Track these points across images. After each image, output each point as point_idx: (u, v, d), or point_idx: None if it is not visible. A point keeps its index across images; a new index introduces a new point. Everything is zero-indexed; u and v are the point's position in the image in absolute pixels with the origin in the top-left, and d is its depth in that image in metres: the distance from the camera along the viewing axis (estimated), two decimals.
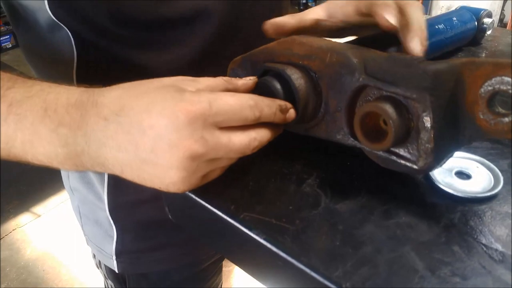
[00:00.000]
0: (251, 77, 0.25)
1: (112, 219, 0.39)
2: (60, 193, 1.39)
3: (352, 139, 0.23)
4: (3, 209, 1.34)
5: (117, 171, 0.21)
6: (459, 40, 0.40)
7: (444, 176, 0.24)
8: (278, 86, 0.24)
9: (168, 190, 0.21)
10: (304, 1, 2.74)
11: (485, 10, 0.40)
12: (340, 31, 0.28)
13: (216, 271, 0.49)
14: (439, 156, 0.21)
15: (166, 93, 0.20)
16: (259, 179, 0.24)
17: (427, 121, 0.20)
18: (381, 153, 0.22)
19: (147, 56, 0.32)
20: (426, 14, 1.95)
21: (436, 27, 0.36)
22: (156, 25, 0.31)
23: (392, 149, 0.22)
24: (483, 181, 0.24)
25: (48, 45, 0.32)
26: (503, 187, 0.23)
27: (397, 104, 0.21)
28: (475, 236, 0.20)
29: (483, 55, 0.41)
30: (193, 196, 0.23)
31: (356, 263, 0.19)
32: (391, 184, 0.24)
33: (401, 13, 0.24)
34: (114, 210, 0.39)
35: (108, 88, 0.22)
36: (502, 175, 0.24)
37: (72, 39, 0.30)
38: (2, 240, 1.24)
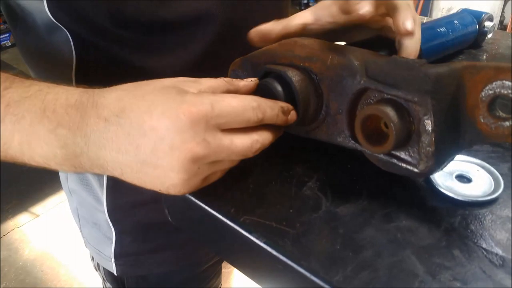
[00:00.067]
0: (252, 78, 0.25)
1: (111, 221, 0.39)
2: (59, 193, 1.39)
3: (353, 141, 0.23)
4: (2, 209, 1.33)
5: (117, 173, 0.21)
6: (460, 43, 0.40)
7: (444, 179, 0.24)
8: (279, 88, 0.24)
9: (168, 192, 0.21)
10: (305, 1, 2.74)
11: (486, 13, 0.40)
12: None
13: (215, 273, 0.48)
14: (440, 159, 0.20)
15: (168, 95, 0.20)
16: (260, 181, 0.24)
17: (428, 125, 0.20)
18: (382, 156, 0.22)
19: (148, 58, 0.32)
20: (427, 15, 1.95)
21: (438, 30, 0.36)
22: (157, 27, 0.30)
23: (393, 152, 0.22)
24: (483, 184, 0.24)
25: (46, 46, 0.32)
26: (503, 190, 0.23)
27: (398, 107, 0.21)
28: (476, 240, 0.20)
29: (484, 57, 0.41)
30: (193, 199, 0.23)
31: (356, 267, 0.19)
32: (391, 187, 0.24)
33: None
34: (113, 212, 0.38)
35: (108, 89, 0.21)
36: (503, 178, 0.24)
37: (71, 40, 0.30)
38: (0, 240, 1.24)
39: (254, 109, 0.21)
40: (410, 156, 0.21)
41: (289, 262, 0.19)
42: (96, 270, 0.46)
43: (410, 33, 0.23)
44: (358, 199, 0.23)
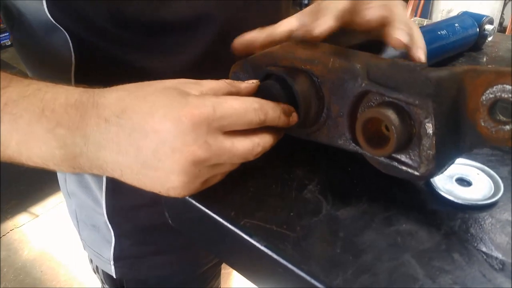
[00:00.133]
0: (254, 80, 0.25)
1: (110, 224, 0.39)
2: (58, 193, 1.38)
3: (353, 144, 0.23)
4: (1, 209, 1.33)
5: (116, 174, 0.21)
6: (461, 45, 0.40)
7: (444, 182, 0.24)
8: (280, 90, 0.24)
9: (168, 195, 0.21)
10: (306, 2, 2.74)
11: (487, 16, 0.41)
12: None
13: (215, 274, 0.48)
14: (440, 162, 0.21)
15: (170, 96, 0.20)
16: (260, 185, 0.24)
17: (429, 128, 0.20)
18: (382, 159, 0.22)
19: (148, 59, 0.32)
20: (427, 17, 1.95)
21: (438, 33, 0.36)
22: (157, 28, 0.30)
23: (394, 155, 0.22)
24: (483, 188, 0.24)
25: (44, 47, 0.31)
26: (503, 194, 0.23)
27: (400, 110, 0.21)
28: (475, 244, 0.20)
29: (484, 60, 0.42)
30: (194, 202, 0.23)
31: (356, 271, 0.19)
32: (392, 190, 0.24)
33: (386, 11, 0.24)
34: (112, 214, 0.38)
35: (109, 89, 0.21)
36: (502, 182, 0.24)
37: (70, 41, 0.30)
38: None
39: (256, 111, 0.21)
40: (411, 159, 0.21)
41: (289, 265, 0.19)
42: (95, 273, 0.46)
43: (403, 45, 0.23)
44: (358, 202, 0.23)
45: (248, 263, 0.23)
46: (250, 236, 0.21)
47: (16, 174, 1.41)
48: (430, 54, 0.34)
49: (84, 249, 0.45)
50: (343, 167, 0.26)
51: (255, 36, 0.26)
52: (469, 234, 0.21)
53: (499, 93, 0.19)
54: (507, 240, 0.20)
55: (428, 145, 0.20)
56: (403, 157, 0.22)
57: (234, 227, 0.21)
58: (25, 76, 0.23)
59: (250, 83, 0.24)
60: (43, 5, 0.28)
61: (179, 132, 0.19)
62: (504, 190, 0.23)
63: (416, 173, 0.21)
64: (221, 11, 0.32)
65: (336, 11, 0.24)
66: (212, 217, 0.23)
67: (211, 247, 0.27)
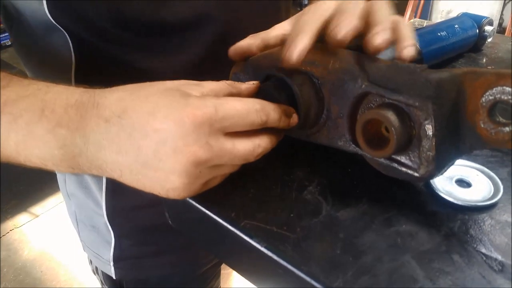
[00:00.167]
0: (254, 82, 0.25)
1: (110, 224, 0.39)
2: (58, 194, 1.38)
3: (353, 145, 0.23)
4: (1, 209, 1.33)
5: (116, 175, 0.20)
6: (460, 47, 0.40)
7: (444, 184, 0.24)
8: (280, 91, 0.24)
9: (168, 196, 0.21)
10: (305, 2, 2.74)
11: (486, 17, 0.41)
12: None
13: (215, 274, 0.48)
14: (440, 164, 0.21)
15: (171, 97, 0.20)
16: (260, 186, 0.24)
17: (429, 129, 0.20)
18: (382, 160, 0.22)
19: (148, 60, 0.32)
20: (427, 18, 1.95)
21: (438, 34, 0.36)
22: (157, 29, 0.30)
23: (394, 156, 0.22)
24: (483, 189, 0.24)
25: (43, 47, 0.31)
26: (502, 195, 0.23)
27: (399, 111, 0.21)
28: (475, 245, 0.20)
29: (484, 61, 0.42)
30: (194, 203, 0.23)
31: (356, 272, 0.19)
32: (392, 191, 0.24)
33: (368, 14, 0.24)
34: (112, 215, 0.38)
35: (109, 89, 0.21)
36: (502, 183, 0.24)
37: (70, 42, 0.30)
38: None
39: (258, 112, 0.21)
40: (411, 160, 0.21)
41: (289, 266, 0.19)
42: (95, 274, 0.46)
43: (379, 48, 0.22)
44: (358, 204, 0.23)
45: (248, 264, 0.23)
46: (250, 237, 0.21)
47: (16, 174, 1.41)
48: (430, 55, 0.35)
49: (84, 250, 0.45)
50: (343, 168, 0.26)
51: (251, 42, 0.26)
52: (468, 236, 0.21)
53: (499, 95, 0.19)
54: (507, 241, 0.20)
55: (428, 147, 0.20)
56: (403, 159, 0.22)
57: (234, 228, 0.22)
58: (25, 76, 0.23)
59: (251, 84, 0.24)
60: (43, 5, 0.28)
61: (180, 132, 0.19)
62: (503, 192, 0.23)
63: (416, 174, 0.21)
64: (221, 11, 0.32)
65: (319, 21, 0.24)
66: (212, 218, 0.23)
67: (211, 248, 0.27)
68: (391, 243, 0.20)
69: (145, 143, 0.19)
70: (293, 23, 0.26)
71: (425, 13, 1.97)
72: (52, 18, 0.28)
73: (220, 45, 0.33)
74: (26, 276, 1.14)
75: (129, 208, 0.38)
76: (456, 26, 0.39)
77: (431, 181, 0.24)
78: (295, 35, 0.23)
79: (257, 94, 0.25)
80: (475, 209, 0.23)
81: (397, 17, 0.24)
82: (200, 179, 0.21)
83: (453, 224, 0.22)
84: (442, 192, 0.23)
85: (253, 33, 0.27)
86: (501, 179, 0.24)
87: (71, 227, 0.45)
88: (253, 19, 0.34)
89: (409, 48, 0.23)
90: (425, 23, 0.51)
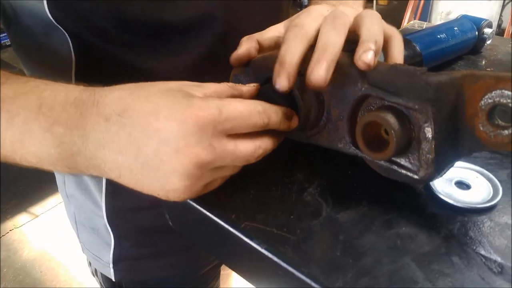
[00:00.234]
0: (254, 84, 0.25)
1: (110, 226, 0.39)
2: (58, 194, 1.38)
3: (353, 148, 0.23)
4: (1, 209, 1.33)
5: (114, 175, 0.20)
6: (460, 49, 0.40)
7: (444, 186, 0.24)
8: (281, 94, 0.24)
9: (167, 198, 0.20)
10: (305, 3, 2.75)
11: (485, 20, 0.41)
12: None
13: (214, 275, 0.49)
14: (439, 166, 0.21)
15: (174, 97, 0.20)
16: (260, 188, 0.24)
17: (429, 132, 0.20)
18: (382, 162, 0.22)
19: (149, 60, 0.32)
20: (426, 19, 1.96)
21: (438, 36, 0.37)
22: (158, 29, 0.30)
23: (393, 158, 0.22)
24: (482, 191, 0.24)
25: (43, 47, 0.31)
26: (502, 197, 0.23)
27: (399, 114, 0.21)
28: (474, 247, 0.20)
29: (483, 63, 0.42)
30: (194, 205, 0.23)
31: (356, 274, 0.19)
32: (391, 193, 0.24)
33: (358, 25, 0.23)
34: (112, 217, 0.38)
35: (110, 87, 0.21)
36: (501, 185, 0.24)
37: (70, 42, 0.30)
38: None
39: (260, 114, 0.21)
40: (410, 162, 0.21)
41: (289, 268, 0.19)
42: (94, 276, 0.46)
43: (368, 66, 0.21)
44: (358, 205, 0.23)
45: (248, 265, 0.23)
46: (251, 239, 0.21)
47: (16, 174, 1.41)
48: (429, 57, 0.35)
49: (83, 252, 0.44)
50: (343, 170, 0.26)
51: (247, 47, 0.26)
52: (468, 237, 0.21)
53: (498, 98, 0.19)
54: (506, 243, 0.21)
55: (428, 149, 0.20)
56: (402, 161, 0.22)
57: (234, 230, 0.22)
58: (22, 74, 0.23)
59: (251, 86, 0.24)
60: (43, 5, 0.27)
61: (183, 133, 0.19)
62: (502, 194, 0.23)
63: (415, 176, 0.21)
64: (222, 11, 0.32)
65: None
66: (213, 219, 0.23)
67: (212, 249, 0.27)
68: (391, 245, 0.20)
69: (146, 144, 0.19)
70: (287, 26, 0.26)
71: (425, 14, 1.97)
72: (53, 17, 0.28)
73: (221, 45, 0.33)
74: (26, 276, 1.14)
75: (129, 210, 0.38)
76: (456, 28, 0.39)
77: (431, 183, 0.24)
78: (316, 61, 0.22)
79: (257, 96, 0.25)
80: (474, 211, 0.23)
81: (387, 30, 0.24)
82: (201, 181, 0.20)
83: (452, 226, 0.22)
84: (442, 194, 0.23)
85: (253, 33, 0.27)
86: (500, 181, 0.24)
87: (71, 227, 0.45)
88: (254, 19, 0.34)
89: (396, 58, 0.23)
90: (425, 25, 0.51)
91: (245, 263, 0.24)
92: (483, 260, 0.20)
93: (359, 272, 0.19)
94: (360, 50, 0.22)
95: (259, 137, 0.22)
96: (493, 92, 0.19)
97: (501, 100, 0.19)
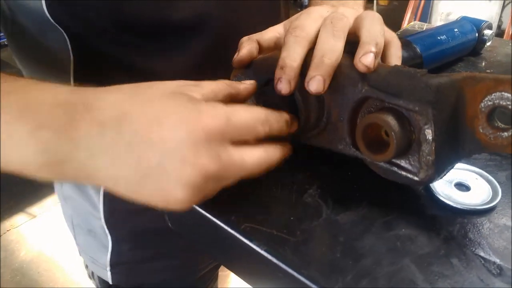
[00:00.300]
0: (251, 81, 0.24)
1: (108, 228, 0.38)
2: (56, 194, 1.38)
3: (353, 149, 0.23)
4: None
5: (108, 185, 0.19)
6: (460, 50, 0.40)
7: (444, 187, 0.24)
8: (281, 96, 0.24)
9: (167, 208, 0.19)
10: (306, 3, 2.75)
11: (485, 21, 0.41)
12: None
13: (212, 278, 0.48)
14: (439, 168, 0.21)
15: (178, 102, 0.19)
16: (260, 189, 0.24)
17: (429, 134, 0.20)
18: (382, 164, 0.22)
19: (148, 60, 0.32)
20: (426, 20, 1.96)
21: (438, 38, 0.37)
22: (157, 28, 0.30)
23: (394, 160, 0.22)
24: (482, 193, 0.24)
25: (40, 47, 0.31)
26: (501, 199, 0.23)
27: (399, 116, 0.21)
28: (474, 249, 0.20)
29: (483, 65, 0.42)
30: (194, 206, 0.23)
31: (356, 275, 0.19)
32: (391, 195, 0.24)
33: (358, 27, 0.23)
34: (110, 218, 0.38)
35: (104, 89, 0.19)
36: (500, 187, 0.24)
37: (68, 42, 0.29)
38: None
39: (263, 123, 0.20)
40: (411, 164, 0.22)
41: (289, 270, 0.19)
42: (90, 279, 0.45)
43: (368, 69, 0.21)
44: (358, 207, 0.23)
45: (248, 267, 0.23)
46: (250, 240, 0.21)
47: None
48: (429, 59, 0.35)
49: (80, 255, 0.44)
50: (343, 171, 0.26)
51: (248, 48, 0.26)
52: (467, 239, 0.21)
53: (498, 101, 0.19)
54: (505, 245, 0.21)
55: (428, 151, 0.20)
56: (402, 163, 0.22)
57: (234, 231, 0.22)
58: (11, 73, 0.21)
59: (248, 84, 0.24)
60: (42, 5, 0.27)
61: (191, 142, 0.17)
62: (502, 195, 0.23)
63: (415, 178, 0.21)
64: (222, 11, 0.32)
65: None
66: (213, 221, 0.23)
67: (211, 251, 0.27)
68: (390, 246, 0.20)
69: (148, 153, 0.17)
70: (286, 27, 0.26)
71: (425, 15, 1.98)
72: (51, 17, 0.28)
73: (220, 44, 0.33)
74: (23, 277, 1.13)
75: (127, 211, 0.38)
76: (456, 30, 0.39)
77: (431, 184, 0.24)
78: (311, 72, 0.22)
79: (258, 97, 0.25)
80: (474, 213, 0.23)
81: (386, 35, 0.24)
82: (204, 192, 0.19)
83: (452, 228, 0.22)
84: (442, 196, 0.23)
85: (252, 33, 0.27)
86: (499, 183, 0.24)
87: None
88: (253, 19, 0.34)
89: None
90: (425, 26, 0.51)
91: (244, 264, 0.23)
92: (482, 261, 0.20)
93: (359, 274, 0.19)
94: (360, 52, 0.21)
95: (263, 147, 0.21)
96: (493, 94, 0.19)
97: (501, 102, 0.19)
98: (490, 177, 0.25)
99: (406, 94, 0.20)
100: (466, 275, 0.19)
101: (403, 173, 0.22)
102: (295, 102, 0.24)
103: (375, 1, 2.54)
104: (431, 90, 0.20)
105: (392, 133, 0.20)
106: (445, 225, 0.22)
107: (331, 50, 0.22)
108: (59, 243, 1.22)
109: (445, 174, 0.22)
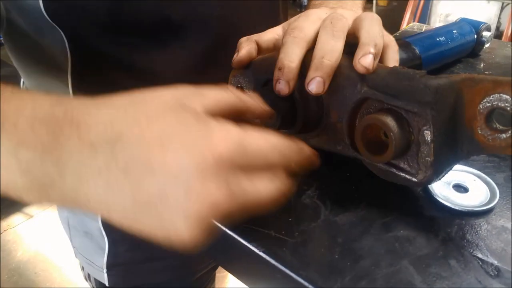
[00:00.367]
0: (256, 95, 0.21)
1: (105, 229, 0.38)
2: None
3: (352, 150, 0.23)
4: None
5: (101, 212, 0.17)
6: (459, 52, 0.40)
7: (442, 189, 0.24)
8: (280, 97, 0.24)
9: (166, 241, 0.16)
10: (305, 3, 2.75)
11: (484, 23, 0.41)
12: None
13: (210, 279, 0.48)
14: (438, 169, 0.21)
15: (182, 120, 0.16)
16: None
17: (428, 135, 0.20)
18: (381, 165, 0.22)
19: (147, 60, 0.32)
20: (425, 21, 1.97)
21: (437, 39, 0.37)
22: (158, 29, 0.30)
23: (392, 161, 0.22)
24: (480, 194, 0.24)
25: (37, 48, 0.30)
26: (499, 200, 0.23)
27: (398, 117, 0.21)
28: (472, 250, 0.20)
29: (481, 66, 0.42)
30: None
31: (354, 277, 0.19)
32: (390, 196, 0.24)
33: (357, 28, 0.23)
34: (107, 220, 0.38)
35: (92, 103, 0.17)
36: (498, 188, 0.24)
37: (66, 42, 0.29)
38: None
39: (280, 153, 0.17)
40: (409, 165, 0.22)
41: (288, 271, 0.19)
42: (86, 281, 0.45)
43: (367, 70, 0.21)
44: (357, 208, 0.23)
45: (246, 268, 0.23)
46: (249, 242, 0.21)
47: None
48: (428, 60, 0.35)
49: (76, 257, 0.44)
50: (341, 172, 0.26)
51: (249, 48, 0.26)
52: (465, 241, 0.21)
53: (496, 102, 0.19)
54: (503, 247, 0.21)
55: (426, 152, 0.20)
56: (401, 164, 0.22)
57: (232, 233, 0.21)
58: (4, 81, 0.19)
59: (260, 106, 0.20)
60: (39, 5, 0.27)
61: (200, 170, 0.15)
62: (500, 197, 0.23)
63: (414, 179, 0.21)
64: (221, 11, 0.32)
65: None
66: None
67: (209, 252, 0.27)
68: (389, 248, 0.20)
69: (147, 181, 0.15)
70: (285, 28, 0.26)
71: (424, 16, 1.98)
72: (49, 16, 0.27)
73: (220, 44, 0.33)
74: (20, 277, 1.13)
75: None
76: (455, 31, 0.39)
77: (429, 186, 0.24)
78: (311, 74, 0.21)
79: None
80: (472, 214, 0.23)
81: (384, 38, 0.24)
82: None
83: (450, 229, 0.22)
84: (440, 197, 0.24)
85: (251, 33, 0.27)
86: (497, 184, 0.24)
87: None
88: (252, 19, 0.34)
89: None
90: (424, 27, 0.51)
91: (243, 266, 0.23)
92: (480, 263, 0.20)
93: (357, 275, 0.19)
94: (359, 53, 0.21)
95: (277, 176, 0.17)
96: (492, 96, 0.19)
97: (500, 104, 0.19)
98: (488, 179, 0.25)
99: (405, 95, 0.20)
100: (464, 277, 0.19)
101: (402, 174, 0.22)
102: (294, 103, 0.24)
103: (374, 2, 2.55)
104: (430, 91, 0.20)
105: (391, 134, 0.20)
106: (443, 226, 0.22)
107: (331, 50, 0.22)
108: (56, 243, 1.22)
109: (443, 176, 0.22)
